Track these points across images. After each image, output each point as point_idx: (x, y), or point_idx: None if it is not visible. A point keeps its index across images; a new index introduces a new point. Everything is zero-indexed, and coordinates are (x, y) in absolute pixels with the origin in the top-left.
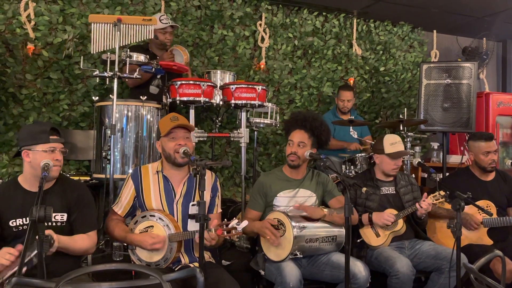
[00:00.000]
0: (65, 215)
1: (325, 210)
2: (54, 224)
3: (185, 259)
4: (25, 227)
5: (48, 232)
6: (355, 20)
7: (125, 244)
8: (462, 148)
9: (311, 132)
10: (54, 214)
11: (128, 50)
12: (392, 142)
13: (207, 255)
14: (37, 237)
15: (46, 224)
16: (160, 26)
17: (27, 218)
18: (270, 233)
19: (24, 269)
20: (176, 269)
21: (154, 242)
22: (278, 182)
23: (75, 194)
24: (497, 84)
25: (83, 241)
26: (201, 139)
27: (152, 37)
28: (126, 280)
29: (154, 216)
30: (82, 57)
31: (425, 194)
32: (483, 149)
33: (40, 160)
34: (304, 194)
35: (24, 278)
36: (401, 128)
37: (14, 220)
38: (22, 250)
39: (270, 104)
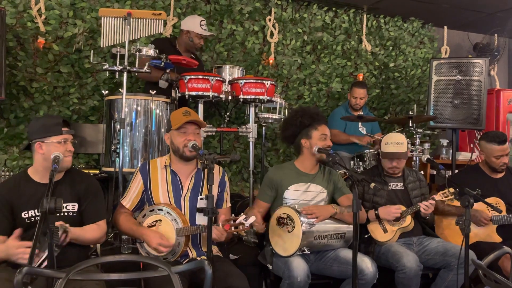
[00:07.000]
0: (76, 205)
1: (336, 208)
2: (65, 214)
3: (192, 253)
4: (37, 218)
5: (60, 223)
6: (365, 16)
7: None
8: (471, 145)
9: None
10: (65, 204)
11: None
12: (387, 142)
13: (214, 249)
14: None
15: (58, 215)
16: (200, 31)
17: (39, 209)
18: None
19: (45, 263)
20: (184, 263)
21: (161, 244)
22: (290, 175)
23: (84, 185)
24: (508, 81)
25: (93, 231)
26: (209, 133)
27: (162, 31)
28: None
29: (162, 210)
30: (92, 51)
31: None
32: (496, 153)
33: (53, 152)
34: (315, 189)
35: (35, 268)
36: (410, 124)
37: (26, 212)
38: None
39: (278, 99)
